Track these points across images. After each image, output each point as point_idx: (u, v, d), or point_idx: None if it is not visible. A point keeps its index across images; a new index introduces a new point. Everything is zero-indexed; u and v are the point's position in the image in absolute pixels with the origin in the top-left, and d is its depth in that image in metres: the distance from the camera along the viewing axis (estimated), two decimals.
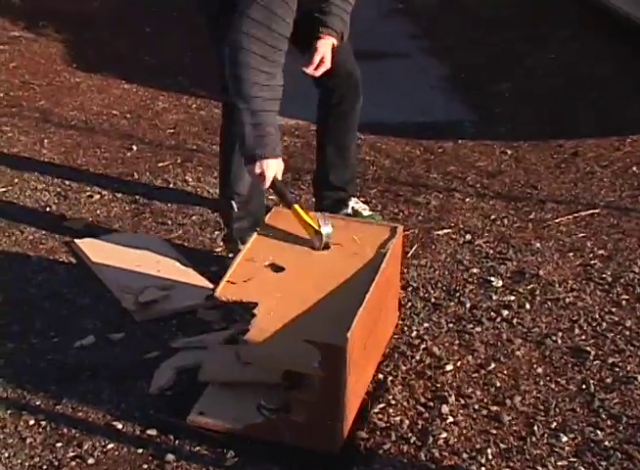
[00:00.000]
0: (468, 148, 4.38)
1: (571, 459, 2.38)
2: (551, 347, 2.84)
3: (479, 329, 2.93)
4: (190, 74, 5.31)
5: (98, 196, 3.88)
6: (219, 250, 3.43)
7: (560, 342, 2.87)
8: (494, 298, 3.11)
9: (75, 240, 3.48)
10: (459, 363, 2.77)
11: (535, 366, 2.75)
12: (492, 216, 3.69)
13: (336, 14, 3.04)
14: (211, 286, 3.00)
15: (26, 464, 2.40)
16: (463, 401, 2.60)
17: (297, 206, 2.76)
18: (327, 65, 3.04)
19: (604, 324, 2.95)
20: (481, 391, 2.64)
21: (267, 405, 2.45)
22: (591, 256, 3.38)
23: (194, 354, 2.75)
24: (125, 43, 5.86)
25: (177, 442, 2.45)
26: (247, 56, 2.65)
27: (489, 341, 2.88)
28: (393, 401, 2.60)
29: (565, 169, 4.13)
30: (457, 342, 2.87)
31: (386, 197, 3.87)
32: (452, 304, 3.08)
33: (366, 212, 3.58)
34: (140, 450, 2.43)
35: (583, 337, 2.89)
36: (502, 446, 2.43)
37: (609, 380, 2.69)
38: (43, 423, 2.53)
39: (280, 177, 2.76)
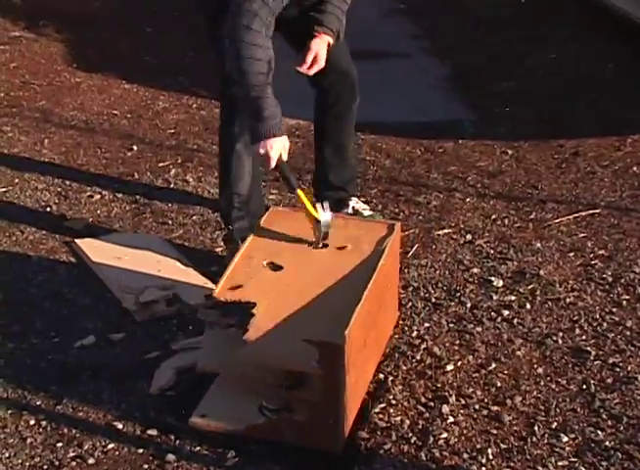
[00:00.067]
0: (468, 148, 4.38)
1: (572, 459, 2.38)
2: (552, 347, 2.84)
3: (479, 329, 2.93)
4: (190, 74, 5.31)
5: (98, 196, 3.88)
6: (220, 250, 3.43)
7: (560, 342, 2.87)
8: (495, 298, 3.10)
9: (76, 240, 3.48)
10: (459, 363, 2.77)
11: (536, 366, 2.75)
12: (493, 216, 3.69)
13: (332, 12, 3.04)
14: (212, 286, 3.00)
15: (27, 464, 2.40)
16: (463, 401, 2.60)
17: (300, 191, 2.76)
18: (321, 63, 3.04)
19: (604, 324, 2.95)
20: (482, 391, 2.64)
21: (269, 406, 2.45)
22: (592, 256, 3.37)
23: (194, 354, 2.75)
24: (126, 43, 5.86)
25: (178, 442, 2.45)
26: (247, 48, 2.69)
27: (490, 341, 2.88)
28: (394, 401, 2.60)
29: (565, 169, 4.13)
30: (458, 342, 2.87)
31: (386, 197, 3.87)
32: (453, 304, 3.08)
33: (367, 212, 3.58)
34: (140, 450, 2.44)
35: (584, 337, 2.89)
36: (502, 446, 2.43)
37: (609, 380, 2.69)
38: (44, 423, 2.53)
39: (285, 158, 2.78)
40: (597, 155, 4.26)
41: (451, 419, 2.52)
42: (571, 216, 3.67)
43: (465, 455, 2.40)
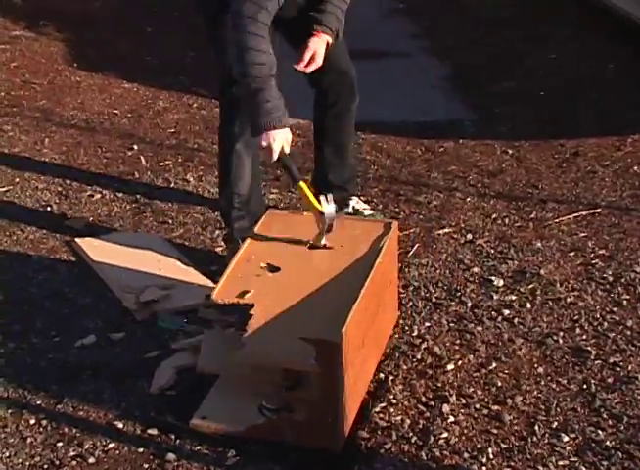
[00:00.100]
0: (469, 147, 4.38)
1: (573, 459, 2.38)
2: (552, 346, 2.84)
3: (480, 328, 2.93)
4: (191, 74, 5.31)
5: (99, 195, 3.88)
6: (220, 249, 3.43)
7: (561, 341, 2.86)
8: (495, 297, 3.10)
9: (76, 239, 3.48)
10: (460, 363, 2.77)
11: (536, 366, 2.75)
12: (493, 216, 3.69)
13: (331, 12, 3.04)
14: (212, 285, 3.00)
15: (27, 463, 2.40)
16: (464, 401, 2.60)
17: (302, 183, 2.76)
18: (318, 62, 3.03)
19: (605, 324, 2.95)
20: (482, 390, 2.64)
21: (269, 406, 2.45)
22: (592, 255, 3.37)
23: (194, 354, 2.75)
24: (126, 43, 5.86)
25: (178, 441, 2.45)
26: (251, 38, 2.69)
27: (490, 340, 2.88)
28: (394, 401, 2.60)
29: (566, 169, 4.13)
30: (458, 341, 2.87)
31: (387, 196, 3.87)
32: (453, 303, 3.08)
33: (367, 212, 3.58)
34: (141, 450, 2.44)
35: (584, 337, 2.89)
36: (503, 445, 2.43)
37: (610, 380, 2.68)
38: (44, 422, 2.53)
39: (287, 150, 2.77)
40: (597, 154, 4.26)
41: (452, 419, 2.52)
42: (571, 216, 3.67)
43: (465, 455, 2.40)
